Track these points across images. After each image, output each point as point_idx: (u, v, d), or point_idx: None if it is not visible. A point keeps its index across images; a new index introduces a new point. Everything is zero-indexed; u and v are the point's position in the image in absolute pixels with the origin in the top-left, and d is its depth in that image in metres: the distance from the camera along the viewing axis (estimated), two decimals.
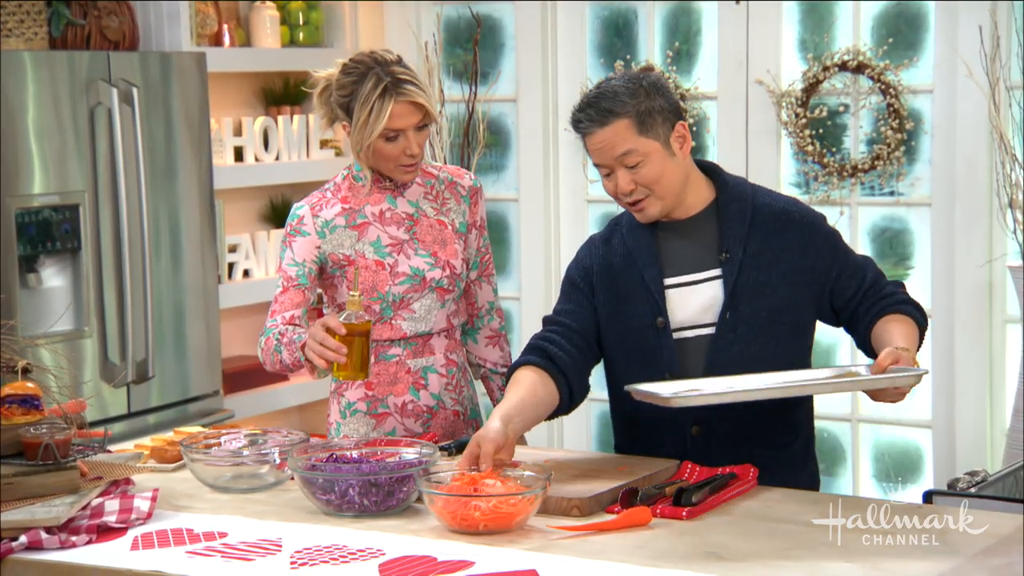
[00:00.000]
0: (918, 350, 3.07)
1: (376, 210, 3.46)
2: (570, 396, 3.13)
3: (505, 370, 3.48)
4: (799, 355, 3.16)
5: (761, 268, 3.11)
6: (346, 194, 3.47)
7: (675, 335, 3.14)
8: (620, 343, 3.18)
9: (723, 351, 3.10)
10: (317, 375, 3.25)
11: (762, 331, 3.10)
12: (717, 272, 3.13)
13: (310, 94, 5.83)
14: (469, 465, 2.85)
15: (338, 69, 3.40)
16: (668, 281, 3.16)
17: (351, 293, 3.14)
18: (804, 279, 3.12)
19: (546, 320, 3.23)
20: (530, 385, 3.07)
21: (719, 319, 3.11)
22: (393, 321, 3.42)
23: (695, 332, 3.13)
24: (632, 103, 3.05)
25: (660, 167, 3.08)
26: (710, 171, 3.21)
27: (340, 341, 3.08)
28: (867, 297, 3.14)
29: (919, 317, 3.13)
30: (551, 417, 3.16)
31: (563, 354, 3.12)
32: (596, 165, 3.12)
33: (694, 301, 3.14)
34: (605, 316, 3.19)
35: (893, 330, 3.05)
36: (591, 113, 3.07)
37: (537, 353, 3.12)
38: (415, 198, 3.49)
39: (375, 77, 3.32)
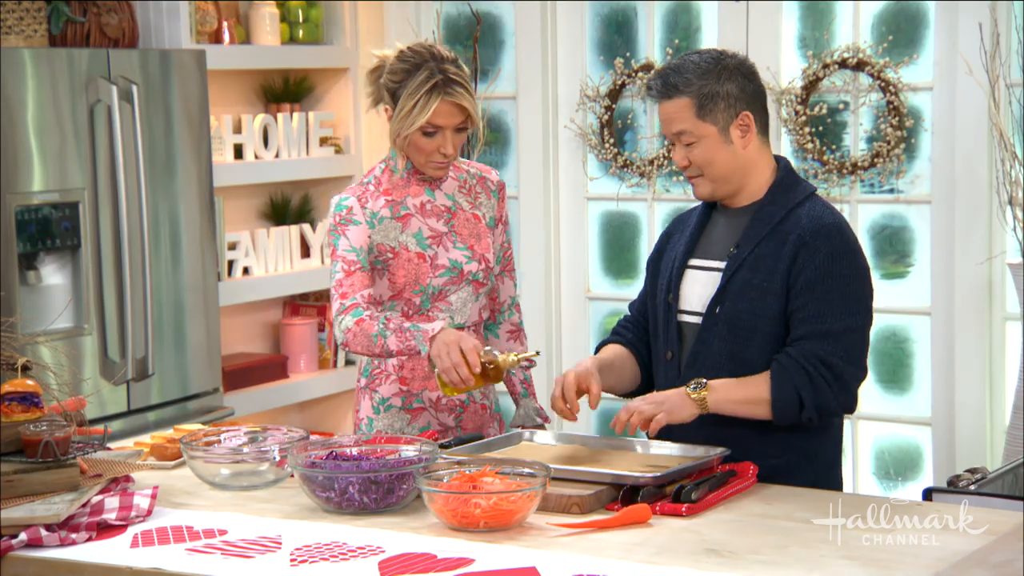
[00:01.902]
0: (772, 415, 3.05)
1: (417, 202, 3.49)
2: (650, 378, 3.32)
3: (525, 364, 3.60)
4: None
5: (758, 271, 3.10)
6: (387, 186, 3.49)
7: (679, 317, 3.20)
8: (651, 309, 3.29)
9: (705, 344, 3.14)
10: (429, 367, 3.30)
11: (742, 333, 3.10)
12: (723, 264, 3.14)
13: (310, 91, 5.88)
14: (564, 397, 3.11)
15: (395, 53, 3.42)
16: (692, 262, 3.20)
17: (512, 355, 3.22)
18: (782, 291, 3.09)
19: (629, 305, 3.43)
20: (614, 354, 3.30)
21: (707, 311, 3.14)
22: (430, 313, 3.45)
23: (693, 318, 3.18)
24: (698, 83, 3.07)
25: (712, 152, 3.10)
26: (779, 171, 3.19)
27: (470, 371, 3.16)
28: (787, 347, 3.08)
29: (781, 392, 3.02)
30: (632, 395, 3.34)
31: (632, 346, 3.32)
32: (662, 133, 3.18)
33: (699, 286, 3.16)
34: (650, 289, 3.32)
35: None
36: (658, 84, 3.12)
37: (616, 336, 3.36)
38: (451, 191, 3.53)
39: (428, 71, 3.35)
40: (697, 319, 3.16)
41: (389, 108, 3.42)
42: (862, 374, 3.10)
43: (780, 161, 3.21)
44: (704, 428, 3.09)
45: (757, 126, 3.12)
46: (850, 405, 3.11)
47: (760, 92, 3.14)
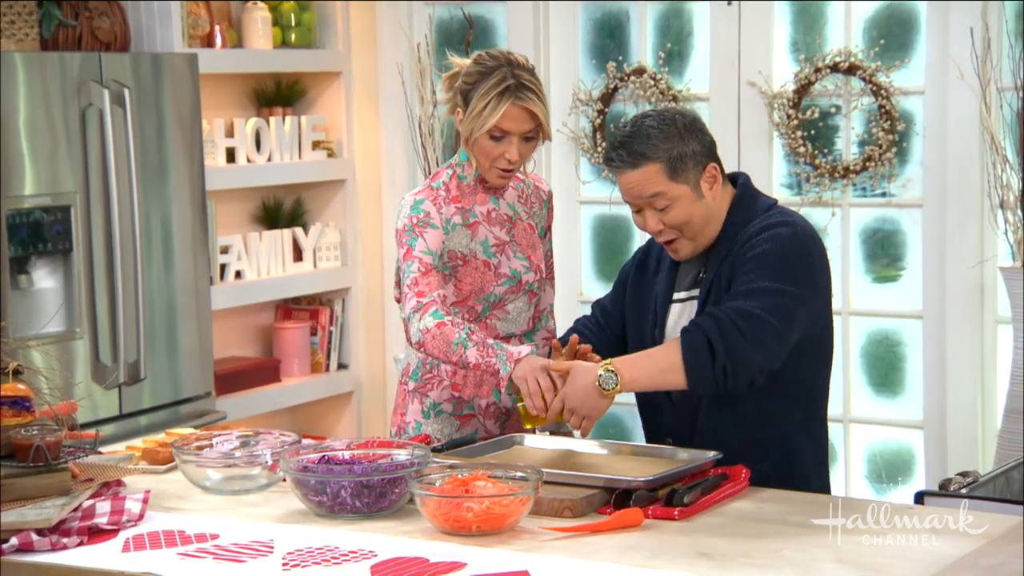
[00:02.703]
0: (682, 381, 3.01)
1: (484, 209, 3.48)
2: None
3: None
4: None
5: (721, 291, 3.12)
6: (456, 194, 3.47)
7: None
8: (634, 344, 3.27)
9: None
10: (509, 392, 3.23)
11: None
12: (697, 292, 3.16)
13: (302, 95, 5.87)
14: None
15: (472, 58, 3.43)
16: (676, 295, 3.22)
17: None
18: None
19: (592, 305, 3.43)
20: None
21: None
22: (488, 321, 3.46)
23: None
24: (665, 148, 3.08)
25: (688, 210, 3.11)
26: (737, 189, 3.19)
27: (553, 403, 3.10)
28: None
29: (691, 346, 2.98)
30: None
31: (597, 351, 3.25)
32: (626, 202, 3.16)
33: (679, 318, 3.18)
34: (629, 317, 3.30)
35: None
36: (623, 154, 3.10)
37: (581, 336, 3.33)
38: (512, 200, 3.54)
39: (501, 75, 3.35)
40: None
41: (461, 111, 3.42)
42: (785, 331, 3.00)
43: (739, 178, 3.22)
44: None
45: (722, 174, 3.15)
46: (768, 358, 2.99)
47: (713, 141, 3.17)
